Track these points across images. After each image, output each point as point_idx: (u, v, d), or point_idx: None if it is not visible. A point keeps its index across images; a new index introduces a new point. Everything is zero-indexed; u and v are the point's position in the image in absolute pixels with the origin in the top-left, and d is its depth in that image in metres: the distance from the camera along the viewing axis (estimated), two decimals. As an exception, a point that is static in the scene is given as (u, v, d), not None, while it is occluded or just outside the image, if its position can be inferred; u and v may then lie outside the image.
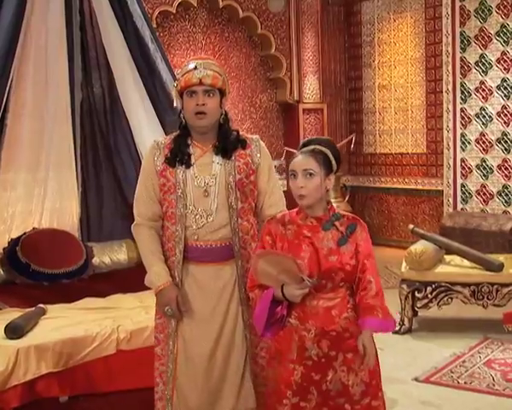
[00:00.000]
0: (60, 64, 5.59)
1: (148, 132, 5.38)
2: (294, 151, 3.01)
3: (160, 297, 3.20)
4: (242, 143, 3.27)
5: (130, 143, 5.93)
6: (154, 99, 5.33)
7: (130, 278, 5.34)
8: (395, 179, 9.77)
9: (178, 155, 3.19)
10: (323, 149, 2.92)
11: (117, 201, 6.14)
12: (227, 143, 3.22)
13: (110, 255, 5.81)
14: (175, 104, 3.25)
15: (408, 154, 9.54)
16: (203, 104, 3.11)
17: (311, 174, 2.85)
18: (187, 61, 3.27)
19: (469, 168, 8.56)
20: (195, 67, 3.13)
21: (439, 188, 8.98)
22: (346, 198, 9.61)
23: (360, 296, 2.90)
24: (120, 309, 4.49)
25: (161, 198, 3.22)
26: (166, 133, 4.78)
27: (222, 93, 3.20)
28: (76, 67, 5.72)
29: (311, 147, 2.92)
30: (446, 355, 5.35)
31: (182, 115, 3.22)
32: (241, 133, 3.32)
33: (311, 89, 9.66)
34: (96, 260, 5.73)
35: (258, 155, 3.26)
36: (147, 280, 3.30)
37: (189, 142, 3.22)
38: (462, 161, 8.61)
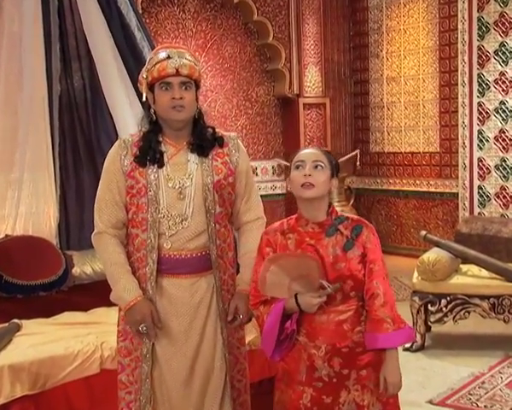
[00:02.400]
0: (36, 53, 5.58)
1: (134, 129, 5.30)
2: (287, 163, 3.04)
3: (131, 314, 3.11)
4: (219, 141, 3.24)
5: (113, 140, 5.82)
6: (141, 92, 5.31)
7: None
8: (405, 181, 9.79)
9: (149, 153, 3.13)
10: (326, 153, 2.99)
11: (99, 205, 6.13)
12: (203, 140, 3.19)
13: (92, 265, 5.79)
14: (143, 98, 3.18)
15: (419, 153, 9.56)
16: (180, 98, 3.07)
17: (320, 166, 2.88)
18: (155, 50, 3.22)
19: (487, 169, 8.57)
20: (168, 56, 3.08)
21: (454, 190, 9.00)
22: (351, 202, 9.61)
23: (368, 307, 2.90)
24: (104, 324, 4.46)
25: (127, 202, 3.16)
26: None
27: (197, 85, 3.18)
28: (54, 56, 5.71)
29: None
30: (464, 375, 5.34)
31: (152, 110, 3.17)
32: (217, 130, 3.29)
33: (312, 81, 9.68)
34: (76, 271, 5.71)
35: (237, 154, 3.24)
36: (113, 296, 3.20)
37: (161, 139, 3.18)
38: (480, 160, 8.61)
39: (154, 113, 3.17)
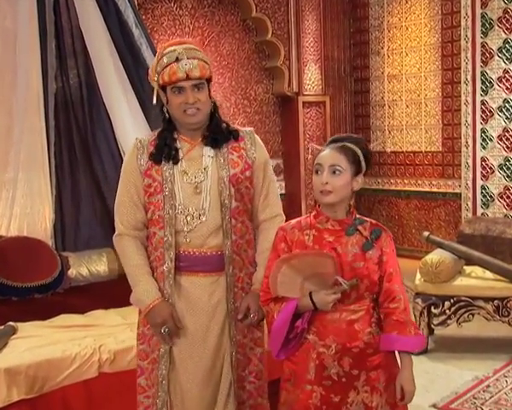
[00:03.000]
0: (31, 51, 5.63)
1: (131, 128, 5.41)
2: (319, 148, 3.03)
3: (152, 317, 3.15)
4: (234, 135, 3.26)
5: (110, 139, 5.96)
6: (139, 90, 5.37)
7: (111, 292, 5.36)
8: (406, 181, 9.80)
9: (165, 150, 3.18)
10: (353, 146, 2.94)
11: (95, 205, 6.18)
12: (217, 132, 3.22)
13: (88, 266, 5.83)
14: (154, 101, 3.23)
15: (421, 152, 9.56)
16: (194, 102, 3.10)
17: (338, 171, 2.88)
18: (162, 48, 3.22)
19: (491, 168, 8.57)
20: (177, 59, 3.09)
21: (457, 191, 9.00)
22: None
23: (389, 309, 2.94)
24: (102, 327, 4.49)
25: (146, 202, 3.20)
26: (152, 129, 4.80)
27: (208, 81, 3.20)
28: (49, 54, 5.75)
29: (340, 143, 2.95)
30: (468, 379, 5.36)
31: (165, 109, 3.21)
32: (231, 125, 3.33)
33: (312, 79, 9.68)
34: (72, 272, 5.75)
35: (254, 148, 3.26)
36: (133, 298, 3.25)
37: (176, 136, 3.22)
38: (483, 160, 8.60)
39: (167, 111, 3.20)
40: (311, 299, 2.88)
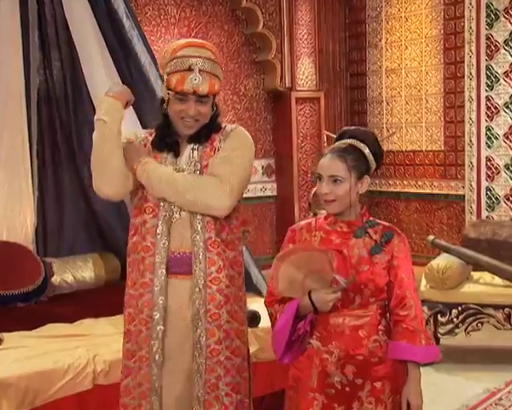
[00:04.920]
0: (12, 42, 5.64)
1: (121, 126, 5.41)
2: (333, 136, 3.10)
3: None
4: (216, 128, 3.35)
5: (96, 137, 5.96)
6: (129, 85, 5.33)
7: (98, 300, 5.41)
8: (406, 182, 9.83)
9: (168, 139, 3.28)
10: (359, 144, 3.02)
11: (80, 207, 6.21)
12: (205, 132, 3.32)
13: (73, 273, 5.88)
14: (162, 94, 3.31)
15: (422, 151, 9.57)
16: (194, 115, 3.20)
17: (339, 180, 2.96)
18: (177, 46, 3.24)
19: (496, 168, 8.59)
20: (190, 68, 3.15)
21: (460, 192, 9.00)
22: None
23: (398, 317, 2.99)
24: (93, 337, 4.54)
25: (138, 183, 3.27)
26: (143, 125, 4.85)
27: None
28: (32, 45, 5.77)
29: (344, 143, 3.02)
30: (479, 391, 5.43)
31: (165, 106, 3.27)
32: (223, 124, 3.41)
33: (305, 74, 9.67)
34: (56, 279, 5.78)
35: (224, 138, 3.32)
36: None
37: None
38: (488, 159, 8.62)
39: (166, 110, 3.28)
40: (310, 299, 2.94)
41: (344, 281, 2.90)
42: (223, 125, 3.37)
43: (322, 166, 3.02)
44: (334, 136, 3.14)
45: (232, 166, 3.22)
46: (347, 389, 2.98)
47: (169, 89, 3.20)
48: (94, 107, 5.61)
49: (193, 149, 3.29)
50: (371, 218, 3.08)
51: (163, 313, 3.23)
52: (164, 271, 3.23)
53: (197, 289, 3.24)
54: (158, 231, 3.23)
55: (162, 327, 3.23)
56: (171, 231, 3.24)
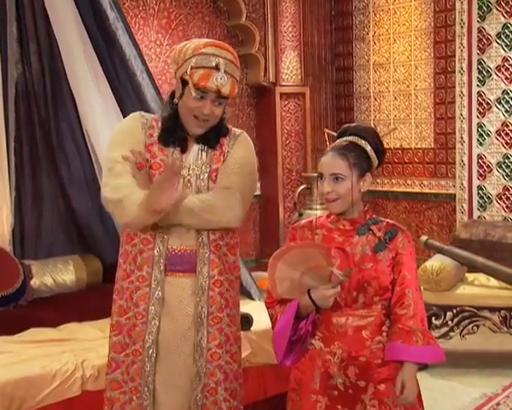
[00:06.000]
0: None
1: (102, 121, 5.43)
2: (334, 134, 3.17)
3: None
4: (224, 132, 3.43)
5: (77, 134, 6.01)
6: (113, 79, 5.36)
7: (80, 304, 5.43)
8: (394, 181, 9.87)
9: (176, 133, 3.34)
10: (361, 141, 3.09)
11: (59, 207, 6.21)
12: (213, 135, 3.39)
13: (53, 276, 5.88)
14: (177, 89, 3.33)
15: (411, 149, 9.61)
16: (208, 114, 3.26)
17: (340, 178, 3.04)
18: (201, 44, 3.28)
19: (489, 167, 8.64)
20: (217, 66, 3.21)
21: (451, 191, 9.05)
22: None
23: (396, 316, 3.06)
24: (79, 341, 4.57)
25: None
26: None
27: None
28: (10, 37, 5.76)
29: (345, 141, 3.10)
30: (475, 396, 5.49)
31: (176, 100, 3.33)
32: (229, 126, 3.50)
33: (290, 68, 9.70)
34: (35, 282, 5.79)
35: (232, 143, 3.42)
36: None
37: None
38: (480, 157, 8.68)
39: (176, 105, 3.34)
40: (310, 296, 3.00)
41: (341, 273, 2.96)
42: (230, 128, 3.46)
43: (323, 165, 3.09)
44: (335, 134, 3.21)
45: (242, 177, 3.36)
46: (350, 391, 3.04)
47: (183, 83, 3.26)
48: (75, 102, 5.73)
49: (201, 150, 3.37)
50: (374, 215, 3.14)
51: (159, 309, 3.29)
52: (162, 266, 3.29)
53: (201, 291, 3.31)
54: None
55: (157, 322, 3.29)
56: (171, 227, 3.29)
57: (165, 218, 3.19)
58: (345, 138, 3.14)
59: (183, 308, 3.33)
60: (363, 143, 3.09)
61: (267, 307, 3.22)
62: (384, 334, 3.07)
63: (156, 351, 3.32)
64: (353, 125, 3.25)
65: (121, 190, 3.21)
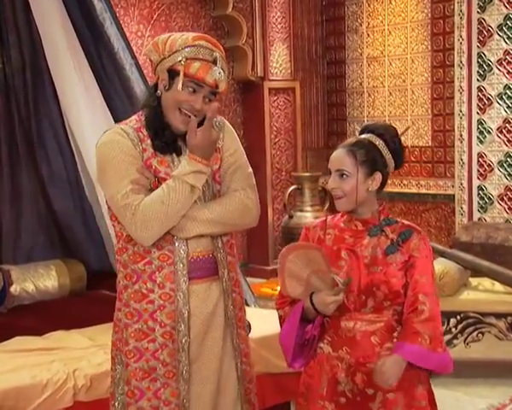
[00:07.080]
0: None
1: (87, 118, 5.42)
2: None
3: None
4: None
5: (58, 131, 6.02)
6: (100, 73, 5.36)
7: (64, 311, 5.46)
8: (389, 181, 9.44)
9: (168, 139, 3.29)
10: (376, 140, 3.16)
11: (40, 208, 6.21)
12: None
13: (35, 282, 5.87)
14: (161, 80, 3.28)
15: (407, 147, 9.47)
16: (198, 110, 3.24)
17: (345, 175, 3.11)
18: (195, 37, 3.28)
19: (489, 166, 8.69)
20: (215, 61, 3.23)
21: (450, 192, 9.10)
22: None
23: (407, 319, 3.08)
24: (69, 350, 4.59)
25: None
26: (115, 120, 4.87)
27: None
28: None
29: (356, 138, 3.19)
30: (481, 407, 5.53)
31: (159, 93, 3.28)
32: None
33: (279, 62, 9.75)
34: (15, 289, 5.78)
35: (222, 136, 3.40)
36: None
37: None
38: (480, 156, 8.73)
39: (159, 98, 3.30)
40: (311, 300, 3.06)
41: (341, 281, 3.01)
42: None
43: (331, 160, 3.18)
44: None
45: (243, 170, 3.39)
46: (358, 398, 3.08)
47: (171, 74, 3.23)
48: (57, 98, 5.74)
49: None
50: (390, 216, 3.20)
51: (188, 324, 3.28)
52: (186, 278, 3.28)
53: (226, 294, 3.34)
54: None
55: (188, 339, 3.27)
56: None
57: (187, 231, 3.22)
58: (356, 136, 3.22)
59: (207, 314, 3.33)
60: (377, 141, 3.15)
61: (277, 309, 3.27)
62: (394, 341, 3.10)
63: (189, 371, 3.32)
64: (372, 123, 3.32)
65: (153, 198, 3.19)
